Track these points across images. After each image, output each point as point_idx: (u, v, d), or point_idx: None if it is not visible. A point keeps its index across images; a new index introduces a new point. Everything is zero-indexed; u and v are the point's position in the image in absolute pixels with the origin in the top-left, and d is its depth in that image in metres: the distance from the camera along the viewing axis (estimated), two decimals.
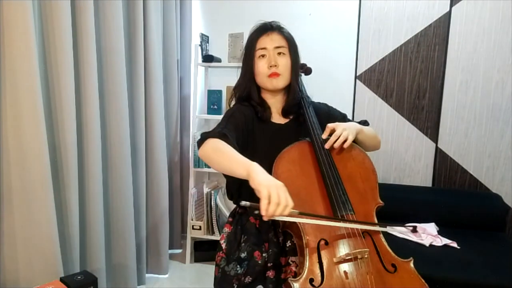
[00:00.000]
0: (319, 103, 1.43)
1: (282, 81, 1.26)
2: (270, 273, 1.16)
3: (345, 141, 1.18)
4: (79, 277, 1.53)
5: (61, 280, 1.50)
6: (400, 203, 2.27)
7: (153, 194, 2.31)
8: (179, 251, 2.73)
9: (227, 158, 1.05)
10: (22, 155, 1.47)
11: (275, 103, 1.32)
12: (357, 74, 2.53)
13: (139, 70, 2.09)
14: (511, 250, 1.94)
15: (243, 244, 1.22)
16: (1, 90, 1.43)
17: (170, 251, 2.64)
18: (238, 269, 1.19)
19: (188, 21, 2.63)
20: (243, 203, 0.98)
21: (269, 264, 1.17)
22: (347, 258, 1.02)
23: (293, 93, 1.30)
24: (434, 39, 2.36)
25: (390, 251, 1.09)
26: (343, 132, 1.18)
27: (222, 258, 1.25)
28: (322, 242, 1.05)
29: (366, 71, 2.50)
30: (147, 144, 2.23)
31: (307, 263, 1.01)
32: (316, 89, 2.57)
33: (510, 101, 2.30)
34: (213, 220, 2.54)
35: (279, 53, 1.26)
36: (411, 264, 1.07)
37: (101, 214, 1.85)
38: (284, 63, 1.26)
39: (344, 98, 2.55)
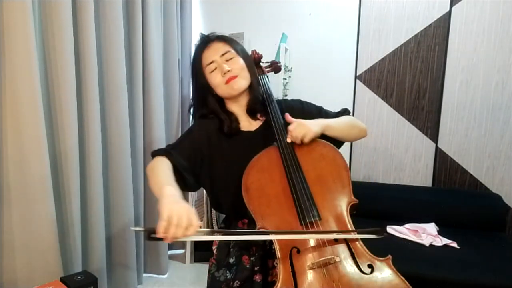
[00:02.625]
0: (292, 100, 1.36)
1: (243, 81, 1.22)
2: (257, 277, 1.15)
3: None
4: (79, 277, 1.53)
5: (61, 280, 1.50)
6: (400, 203, 2.27)
7: (152, 195, 2.29)
8: (182, 251, 2.72)
9: (153, 179, 1.10)
10: (22, 155, 1.47)
11: (241, 110, 1.28)
12: (357, 74, 2.53)
13: (138, 70, 2.08)
14: (511, 250, 1.94)
15: (231, 249, 1.22)
16: (1, 90, 1.43)
17: (172, 252, 2.64)
18: (227, 274, 1.19)
19: (188, 21, 2.62)
20: (134, 228, 0.97)
21: (255, 268, 1.16)
22: (317, 265, 0.99)
23: (254, 90, 1.26)
24: (434, 39, 2.36)
25: (366, 251, 1.04)
26: (297, 128, 1.14)
27: (213, 264, 1.25)
28: (294, 251, 1.02)
29: (366, 71, 2.50)
30: (147, 144, 2.23)
31: (281, 273, 0.99)
32: (316, 89, 2.58)
33: (510, 101, 2.30)
34: (213, 220, 2.54)
35: (227, 60, 1.22)
36: (389, 262, 1.01)
37: (102, 214, 1.85)
38: (237, 65, 1.22)
39: (344, 98, 2.55)
